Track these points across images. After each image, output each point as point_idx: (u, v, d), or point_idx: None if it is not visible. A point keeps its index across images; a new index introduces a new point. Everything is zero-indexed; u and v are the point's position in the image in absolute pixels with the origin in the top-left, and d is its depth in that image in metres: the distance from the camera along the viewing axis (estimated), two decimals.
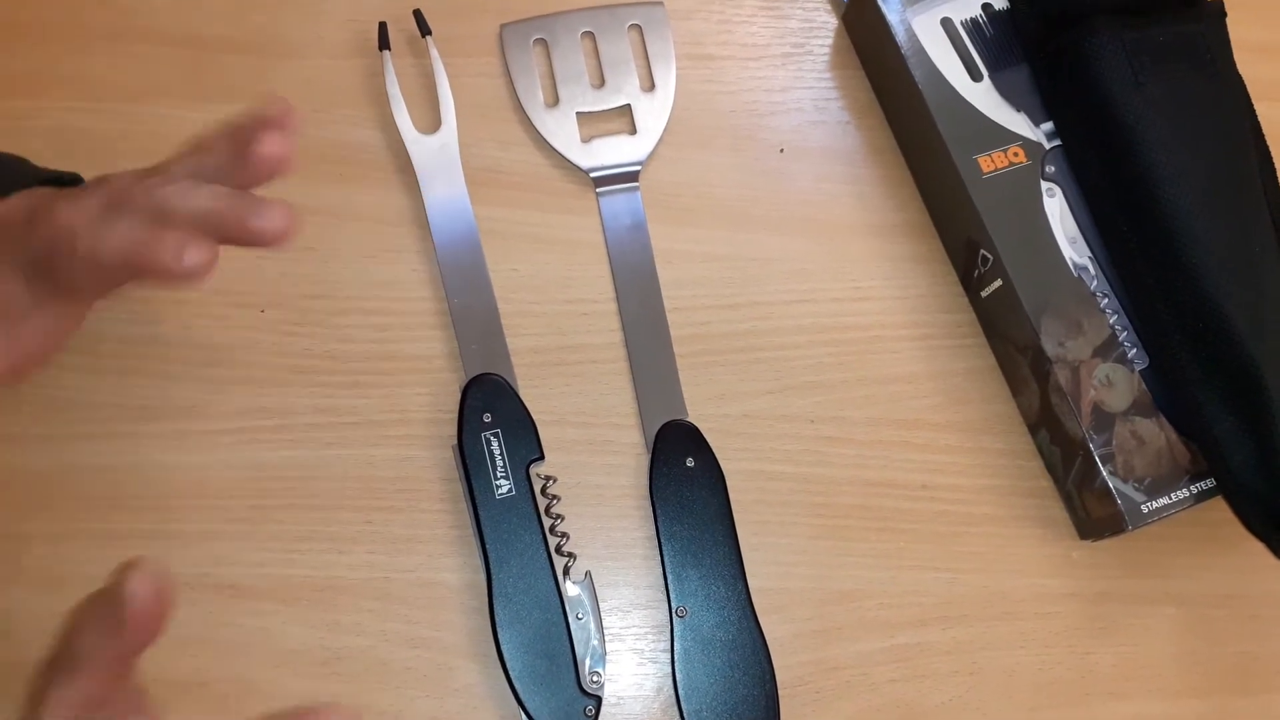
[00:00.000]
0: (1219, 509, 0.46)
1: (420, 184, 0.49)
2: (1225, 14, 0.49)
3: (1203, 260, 0.44)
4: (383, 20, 0.50)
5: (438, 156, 0.49)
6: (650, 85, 0.51)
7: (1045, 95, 0.49)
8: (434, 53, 0.50)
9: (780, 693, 0.44)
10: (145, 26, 0.51)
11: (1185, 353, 0.45)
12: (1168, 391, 0.45)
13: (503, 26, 0.52)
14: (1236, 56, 0.49)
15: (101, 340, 0.46)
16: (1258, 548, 0.47)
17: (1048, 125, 0.49)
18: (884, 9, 0.50)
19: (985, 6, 0.50)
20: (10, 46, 0.50)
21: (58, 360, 0.46)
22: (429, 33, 0.50)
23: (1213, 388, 0.44)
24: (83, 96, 0.49)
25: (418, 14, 0.50)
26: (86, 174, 0.48)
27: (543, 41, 0.52)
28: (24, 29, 0.50)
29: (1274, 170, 0.49)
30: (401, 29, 0.51)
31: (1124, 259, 0.47)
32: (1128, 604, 0.47)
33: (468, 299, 0.47)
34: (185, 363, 0.46)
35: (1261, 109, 0.50)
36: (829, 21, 0.54)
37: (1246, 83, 0.50)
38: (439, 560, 0.45)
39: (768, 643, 0.44)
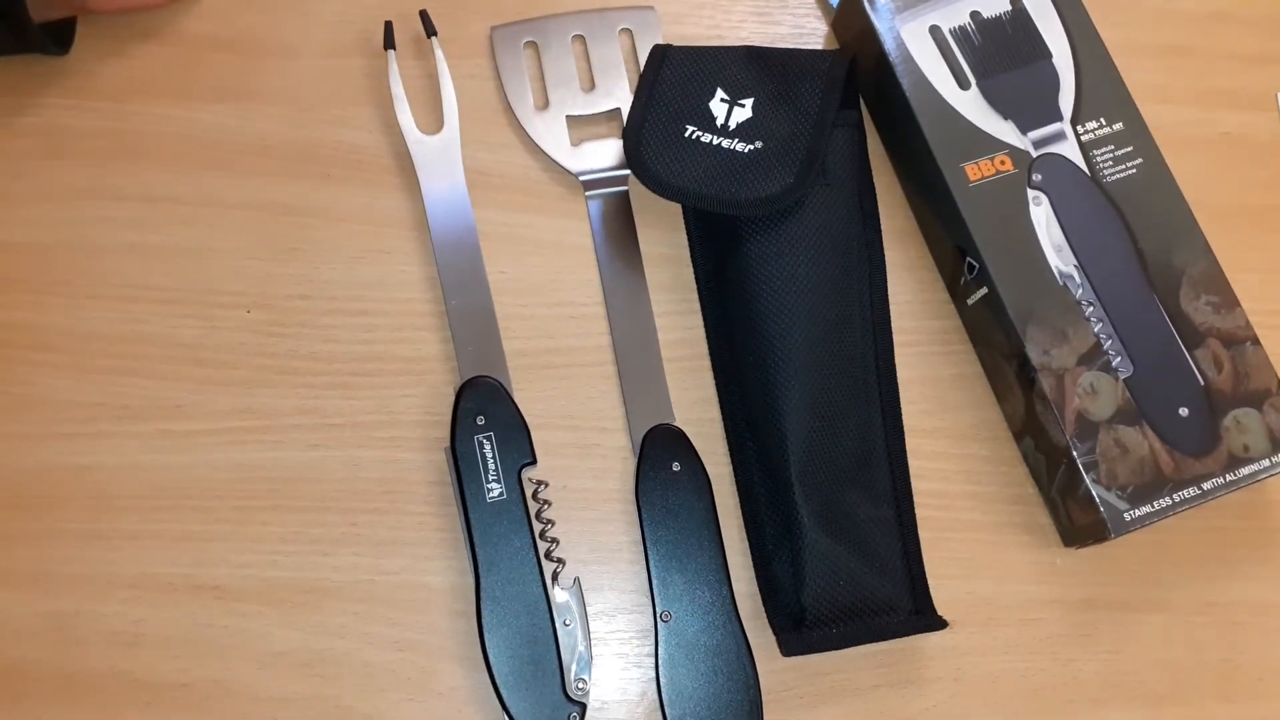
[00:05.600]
0: (1201, 517, 0.46)
1: (421, 184, 0.48)
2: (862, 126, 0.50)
3: (787, 391, 0.46)
4: (388, 20, 0.50)
5: (439, 157, 0.49)
6: None
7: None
8: (439, 53, 0.50)
9: (764, 698, 0.44)
10: (135, 24, 0.50)
11: (756, 470, 0.47)
12: (741, 503, 0.47)
13: (493, 29, 0.52)
14: (1229, 67, 0.49)
15: (86, 339, 0.46)
16: (1240, 555, 0.48)
17: (1035, 133, 0.49)
18: (872, 16, 0.50)
19: (974, 14, 0.50)
20: None
21: (41, 359, 0.46)
22: (434, 33, 0.50)
23: (769, 505, 0.46)
24: (71, 94, 0.49)
25: (424, 15, 0.50)
26: (77, 175, 0.48)
27: (533, 44, 0.52)
28: None
29: (884, 279, 0.50)
30: (396, 29, 0.50)
31: (725, 380, 0.48)
32: (1111, 611, 0.47)
33: (465, 301, 0.47)
34: (170, 362, 0.46)
35: (1250, 118, 0.50)
36: (819, 28, 0.54)
37: (1237, 93, 0.50)
38: (424, 563, 0.45)
39: (752, 648, 0.44)
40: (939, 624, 0.45)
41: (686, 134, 0.48)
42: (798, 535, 0.44)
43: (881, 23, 0.50)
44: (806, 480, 0.45)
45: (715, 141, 0.48)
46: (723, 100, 0.48)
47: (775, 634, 0.45)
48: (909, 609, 0.45)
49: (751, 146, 0.47)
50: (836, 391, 0.46)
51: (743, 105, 0.48)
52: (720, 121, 0.48)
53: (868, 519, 0.46)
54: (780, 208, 0.47)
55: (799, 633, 0.44)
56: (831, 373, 0.46)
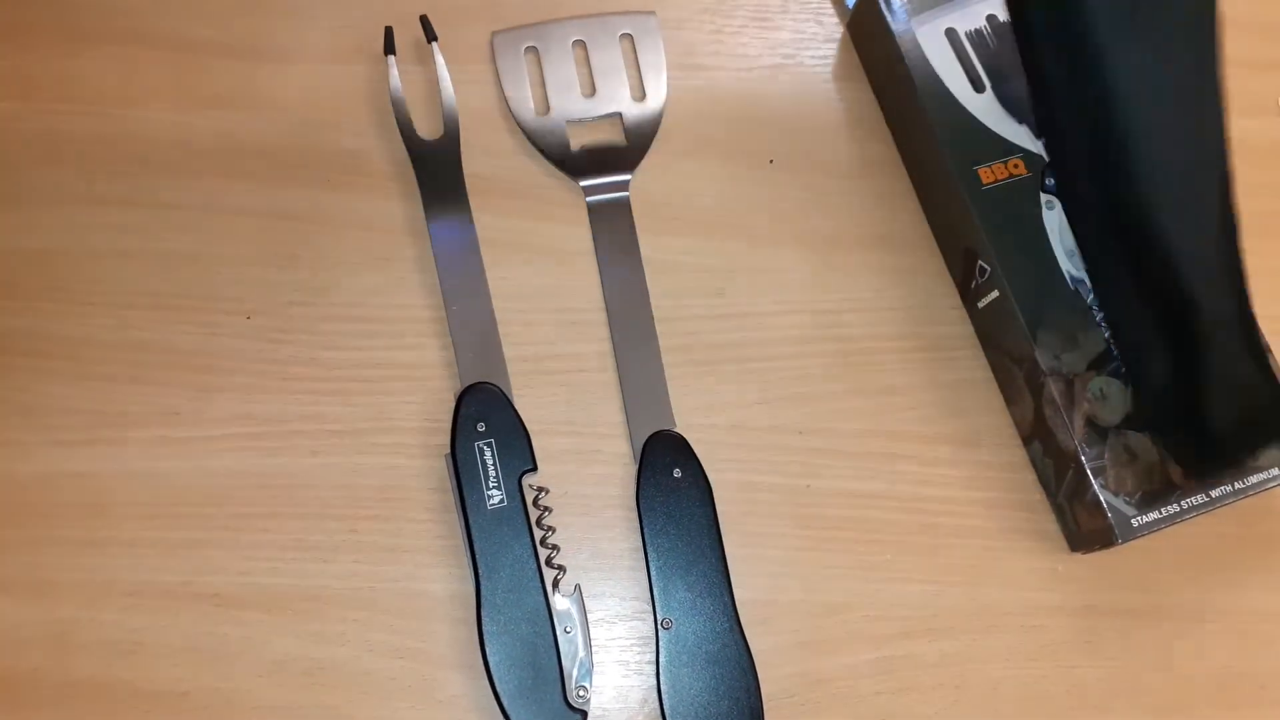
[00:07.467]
0: (1205, 524, 0.46)
1: (420, 190, 0.48)
2: None
3: (1155, 188, 0.43)
4: (388, 25, 0.49)
5: (439, 162, 0.49)
6: (641, 94, 0.51)
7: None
8: (439, 59, 0.49)
9: (765, 705, 0.43)
10: (132, 29, 0.50)
11: (1126, 276, 0.44)
12: (1104, 316, 0.45)
13: (494, 34, 0.52)
14: (1229, 71, 0.49)
15: (83, 346, 0.46)
16: (1246, 562, 0.47)
17: None
18: (888, 17, 0.50)
19: (990, 18, 0.50)
20: None
21: (38, 365, 0.46)
22: (435, 38, 0.50)
23: (1147, 314, 0.44)
24: (69, 99, 0.49)
25: (424, 20, 0.50)
26: (75, 181, 0.48)
27: (534, 49, 0.51)
28: (11, 31, 0.50)
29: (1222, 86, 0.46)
30: (396, 34, 0.50)
31: (1068, 178, 0.45)
32: (1115, 618, 0.47)
33: (465, 306, 0.47)
34: (168, 369, 0.46)
35: (1251, 123, 0.50)
36: (818, 32, 0.54)
37: (1237, 98, 0.49)
38: (425, 570, 0.45)
39: (753, 655, 0.43)
40: None
41: None
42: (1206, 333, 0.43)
43: (897, 24, 0.50)
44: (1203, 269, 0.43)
45: None
46: None
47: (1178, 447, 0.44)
48: None
49: None
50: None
51: None
52: None
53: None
54: None
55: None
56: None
